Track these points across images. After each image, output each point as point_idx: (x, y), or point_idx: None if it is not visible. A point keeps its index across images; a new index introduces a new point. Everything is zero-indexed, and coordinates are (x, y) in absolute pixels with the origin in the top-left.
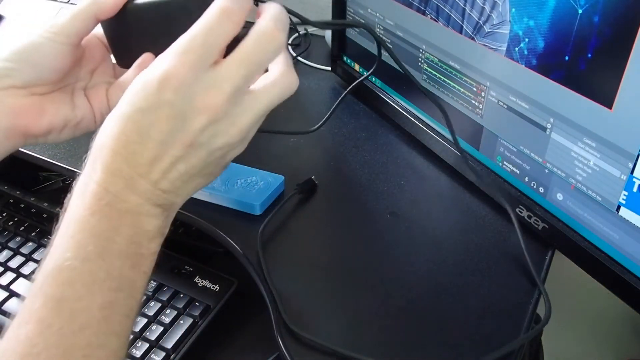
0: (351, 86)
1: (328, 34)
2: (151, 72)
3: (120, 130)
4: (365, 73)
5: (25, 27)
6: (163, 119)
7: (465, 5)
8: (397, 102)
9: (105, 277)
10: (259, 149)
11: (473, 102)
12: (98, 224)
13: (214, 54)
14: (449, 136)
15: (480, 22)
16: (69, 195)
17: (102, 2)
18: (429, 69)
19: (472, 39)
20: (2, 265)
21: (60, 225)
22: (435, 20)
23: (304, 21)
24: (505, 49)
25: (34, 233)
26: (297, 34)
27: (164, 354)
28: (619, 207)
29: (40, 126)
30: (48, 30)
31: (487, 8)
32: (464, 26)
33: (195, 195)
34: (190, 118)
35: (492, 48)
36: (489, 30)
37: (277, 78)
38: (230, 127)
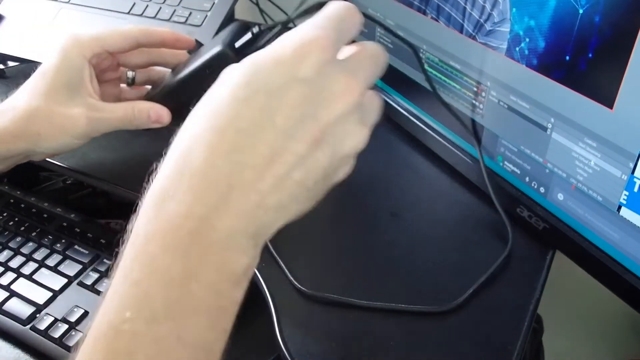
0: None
1: None
2: (285, 44)
3: (227, 120)
4: None
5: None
6: (295, 101)
7: (465, 4)
8: (398, 102)
9: (174, 344)
10: None
11: (473, 102)
12: (172, 267)
13: (344, 41)
14: (454, 139)
15: (481, 20)
16: (133, 217)
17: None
18: (430, 69)
19: (473, 38)
20: (2, 265)
21: (119, 263)
22: (435, 20)
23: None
24: (505, 48)
25: (34, 233)
26: None
27: None
28: (619, 207)
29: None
30: (72, 135)
31: (488, 6)
32: (465, 25)
33: None
34: (326, 105)
35: (492, 47)
36: (490, 28)
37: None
38: (361, 128)
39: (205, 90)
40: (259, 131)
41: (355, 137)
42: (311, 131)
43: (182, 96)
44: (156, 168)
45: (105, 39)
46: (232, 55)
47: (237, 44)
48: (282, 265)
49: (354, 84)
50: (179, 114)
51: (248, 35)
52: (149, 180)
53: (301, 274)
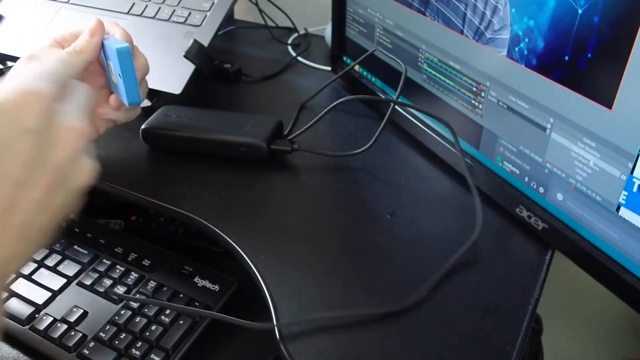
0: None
1: (328, 34)
2: (6, 96)
3: None
4: (365, 73)
5: None
6: (25, 151)
7: (466, 10)
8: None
9: None
10: None
11: (473, 102)
12: None
13: (63, 84)
14: (450, 136)
15: (482, 27)
16: None
17: None
18: (429, 69)
19: (473, 39)
20: None
21: None
22: (435, 21)
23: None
24: (505, 49)
25: None
26: (297, 34)
27: (163, 354)
28: (618, 207)
29: None
30: None
31: (488, 13)
32: (465, 31)
33: None
34: (54, 149)
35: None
36: (490, 36)
37: None
38: (88, 166)
39: None
40: None
41: (85, 172)
42: (44, 177)
43: None
44: None
45: (77, 27)
46: None
47: None
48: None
49: (75, 127)
50: None
51: None
52: None
53: (300, 276)
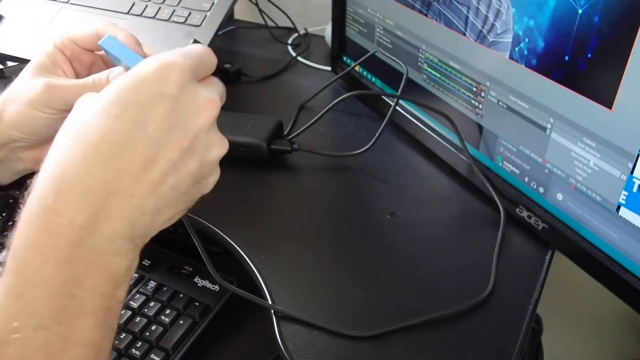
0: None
1: (328, 34)
2: (147, 65)
3: (100, 134)
4: (365, 73)
5: (20, 93)
6: (164, 114)
7: (468, 13)
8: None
9: (63, 346)
10: None
11: (473, 102)
12: (55, 276)
13: (202, 73)
14: (450, 137)
15: (484, 31)
16: (13, 231)
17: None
18: (429, 69)
19: (474, 41)
20: (2, 266)
21: (2, 274)
22: (436, 21)
23: None
24: (508, 53)
25: None
26: (297, 34)
27: (163, 354)
28: (619, 207)
29: None
30: (35, 107)
31: (491, 17)
32: (467, 34)
33: None
34: (191, 117)
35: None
36: (493, 39)
37: None
38: (222, 140)
39: None
40: (132, 141)
41: (218, 145)
42: (180, 140)
43: None
44: (30, 183)
45: (74, 32)
46: None
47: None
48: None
49: (213, 100)
50: None
51: None
52: (22, 194)
53: (300, 276)
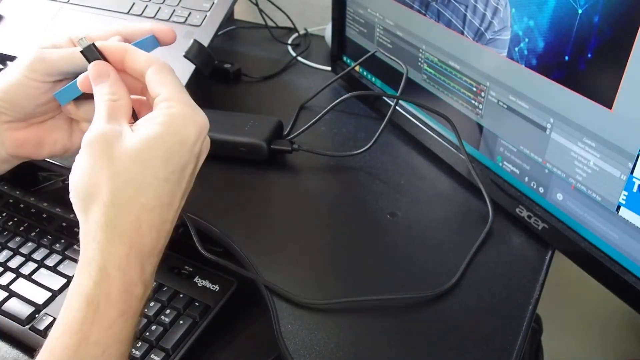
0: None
1: (328, 34)
2: (184, 130)
3: (154, 200)
4: (365, 73)
5: (11, 65)
6: (194, 170)
7: (466, 11)
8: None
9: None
10: None
11: (473, 102)
12: (125, 328)
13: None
14: (449, 136)
15: (482, 29)
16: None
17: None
18: (429, 69)
19: (473, 40)
20: (2, 266)
21: (68, 322)
22: (435, 21)
23: None
24: (505, 49)
25: (34, 233)
26: (297, 34)
27: (163, 354)
28: (618, 207)
29: (41, 154)
30: (25, 73)
31: (489, 15)
32: (465, 32)
33: None
34: (202, 157)
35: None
36: (491, 37)
37: None
38: (206, 138)
39: None
40: (174, 201)
41: (206, 144)
42: (193, 177)
43: None
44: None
45: (95, 33)
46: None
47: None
48: (282, 265)
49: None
50: None
51: None
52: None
53: (300, 276)
